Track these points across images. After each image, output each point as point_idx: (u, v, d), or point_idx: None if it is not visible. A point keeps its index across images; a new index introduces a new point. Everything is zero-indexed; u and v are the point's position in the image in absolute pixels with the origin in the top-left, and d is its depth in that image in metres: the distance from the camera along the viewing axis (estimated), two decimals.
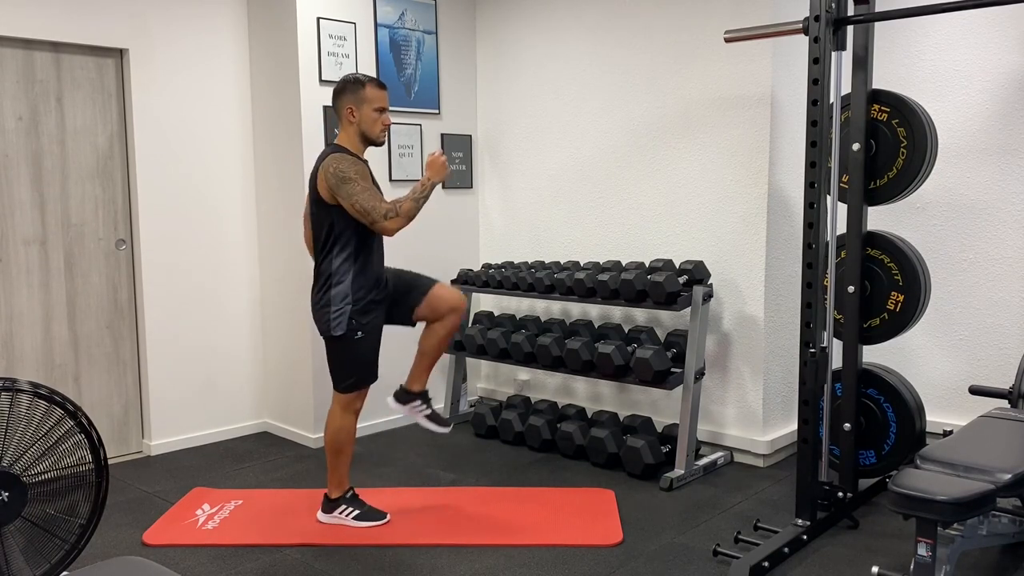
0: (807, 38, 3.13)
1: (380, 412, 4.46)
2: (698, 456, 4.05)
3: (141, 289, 4.36)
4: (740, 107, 4.01)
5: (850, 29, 3.29)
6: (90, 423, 2.56)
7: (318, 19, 4.35)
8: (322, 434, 4.40)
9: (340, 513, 3.42)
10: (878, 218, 4.08)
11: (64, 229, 4.16)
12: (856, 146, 3.38)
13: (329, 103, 4.33)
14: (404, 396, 3.51)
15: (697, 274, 3.94)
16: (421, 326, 3.50)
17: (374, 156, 4.37)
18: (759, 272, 4.01)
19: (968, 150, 4.06)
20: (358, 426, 3.50)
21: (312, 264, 3.35)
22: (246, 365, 4.75)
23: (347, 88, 3.28)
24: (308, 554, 3.18)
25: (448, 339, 3.46)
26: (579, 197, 4.72)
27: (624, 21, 4.42)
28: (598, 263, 4.36)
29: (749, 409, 4.09)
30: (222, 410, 4.67)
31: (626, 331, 4.28)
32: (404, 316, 3.45)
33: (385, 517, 3.44)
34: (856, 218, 3.41)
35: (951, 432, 2.89)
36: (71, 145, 4.16)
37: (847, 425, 3.47)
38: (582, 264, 4.48)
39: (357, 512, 3.42)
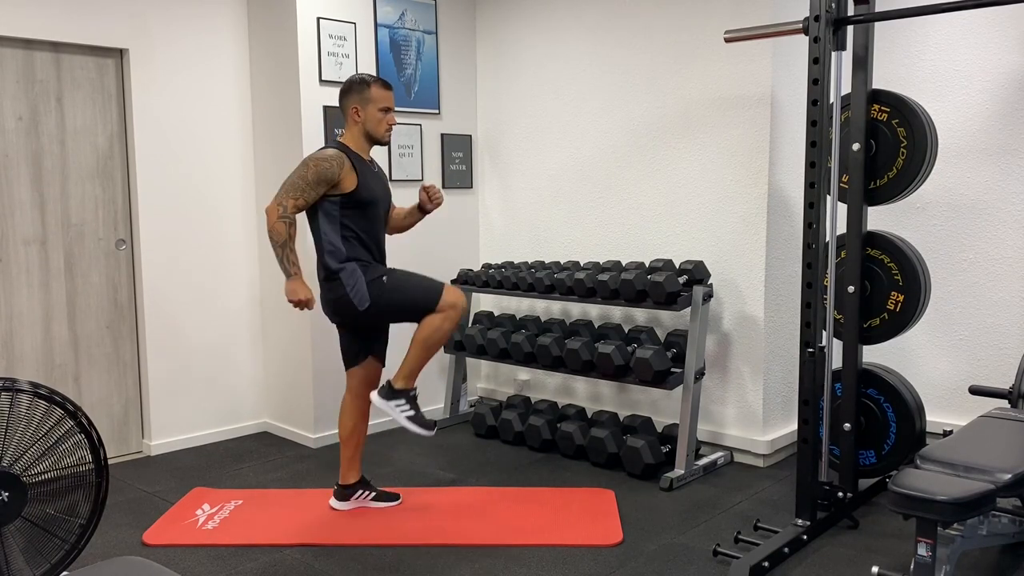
0: (807, 38, 3.13)
1: (379, 411, 4.45)
2: (698, 456, 4.05)
3: (141, 289, 4.36)
4: (740, 107, 4.01)
5: (850, 29, 3.29)
6: (90, 423, 2.56)
7: (318, 19, 4.35)
8: (323, 434, 4.44)
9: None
10: (878, 218, 4.08)
11: (64, 229, 4.16)
12: (856, 146, 3.38)
13: (330, 103, 4.36)
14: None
15: (697, 274, 3.94)
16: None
17: (374, 156, 4.37)
18: (759, 272, 4.01)
19: (968, 150, 4.06)
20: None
21: (312, 264, 3.37)
22: (246, 365, 4.75)
23: (353, 88, 3.35)
24: (308, 554, 3.19)
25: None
26: (579, 197, 4.72)
27: (624, 21, 4.42)
28: (598, 263, 4.36)
29: (749, 409, 4.09)
30: (222, 410, 4.67)
31: (626, 331, 4.28)
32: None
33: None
34: (856, 218, 3.41)
35: (951, 432, 2.89)
36: (71, 145, 4.16)
37: (847, 425, 3.47)
38: (582, 264, 4.48)
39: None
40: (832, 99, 3.22)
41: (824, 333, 3.26)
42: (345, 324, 3.45)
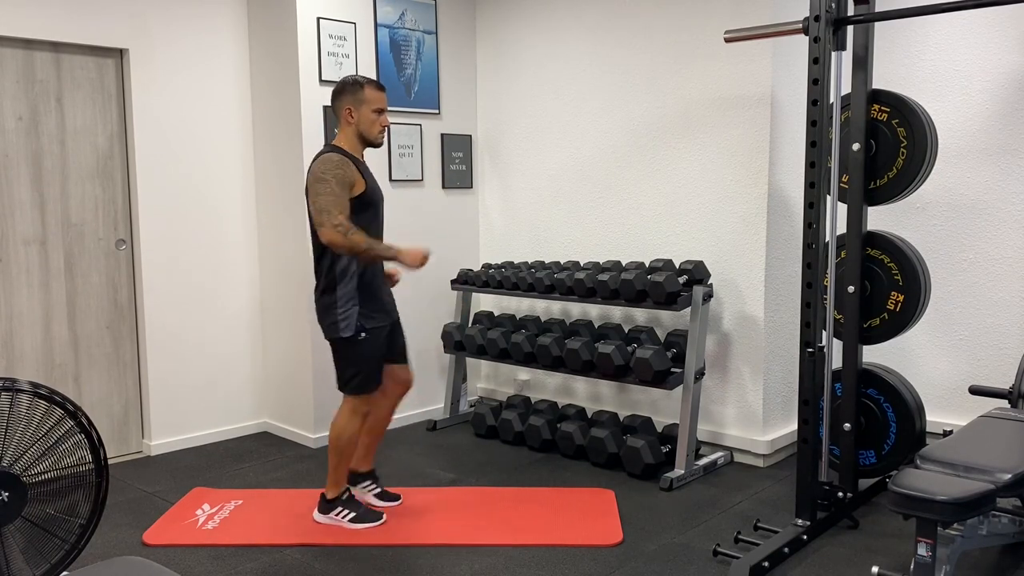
0: (807, 38, 3.13)
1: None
2: (698, 456, 4.05)
3: (141, 289, 4.36)
4: (740, 107, 4.01)
5: (850, 29, 3.29)
6: (90, 423, 2.56)
7: (318, 19, 4.35)
8: (323, 434, 4.43)
9: (336, 515, 3.42)
10: (878, 218, 4.08)
11: (64, 229, 4.16)
12: (856, 146, 3.38)
13: (329, 103, 4.35)
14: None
15: (697, 274, 3.95)
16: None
17: (374, 156, 4.38)
18: (759, 272, 4.01)
19: (968, 150, 4.06)
20: None
21: (312, 265, 3.36)
22: (246, 365, 4.75)
23: (346, 89, 3.31)
24: (308, 554, 3.19)
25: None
26: (579, 197, 4.72)
27: (624, 21, 4.42)
28: (598, 263, 4.36)
29: (749, 409, 4.09)
30: (222, 410, 4.67)
31: (626, 331, 4.28)
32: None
33: (381, 518, 3.44)
34: (856, 218, 3.41)
35: (951, 432, 2.89)
36: (71, 145, 4.16)
37: (847, 425, 3.47)
38: (582, 264, 4.48)
39: (353, 515, 3.41)
40: (832, 99, 3.22)
41: (824, 333, 3.27)
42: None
